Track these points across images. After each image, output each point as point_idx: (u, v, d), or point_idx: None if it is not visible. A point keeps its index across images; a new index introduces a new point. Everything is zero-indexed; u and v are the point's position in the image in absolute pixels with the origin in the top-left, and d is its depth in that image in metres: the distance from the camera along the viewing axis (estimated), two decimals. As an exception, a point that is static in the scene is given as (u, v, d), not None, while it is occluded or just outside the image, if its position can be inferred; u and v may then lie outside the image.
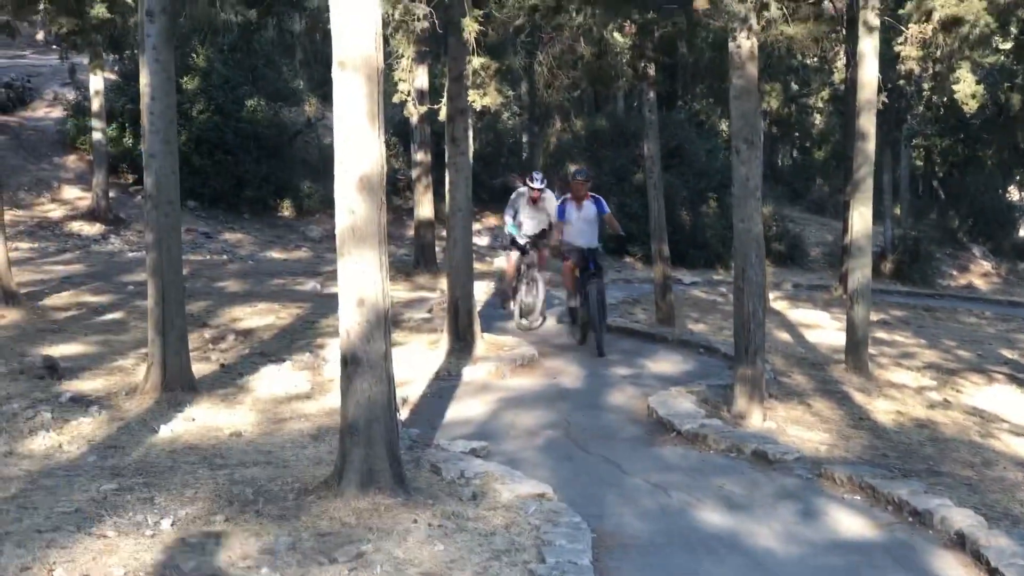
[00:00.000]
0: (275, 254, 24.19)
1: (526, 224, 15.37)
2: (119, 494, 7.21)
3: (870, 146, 13.57)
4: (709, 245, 29.04)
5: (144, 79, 10.16)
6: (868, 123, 13.50)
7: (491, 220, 30.68)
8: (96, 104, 23.64)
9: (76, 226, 23.36)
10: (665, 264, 16.88)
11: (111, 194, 24.61)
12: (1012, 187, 49.84)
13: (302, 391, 10.85)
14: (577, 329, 14.62)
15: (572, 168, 16.11)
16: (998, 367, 15.64)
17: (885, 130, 25.67)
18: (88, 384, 10.72)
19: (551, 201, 15.23)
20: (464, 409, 10.82)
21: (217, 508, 6.94)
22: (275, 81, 29.65)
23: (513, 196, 15.69)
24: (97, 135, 23.75)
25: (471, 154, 13.79)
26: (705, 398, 11.11)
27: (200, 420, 9.52)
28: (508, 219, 15.56)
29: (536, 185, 15.18)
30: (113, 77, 27.55)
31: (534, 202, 15.28)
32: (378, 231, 7.11)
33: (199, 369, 11.26)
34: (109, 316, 14.58)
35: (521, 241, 15.36)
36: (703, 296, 21.92)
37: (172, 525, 6.57)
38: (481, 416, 10.58)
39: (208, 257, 22.50)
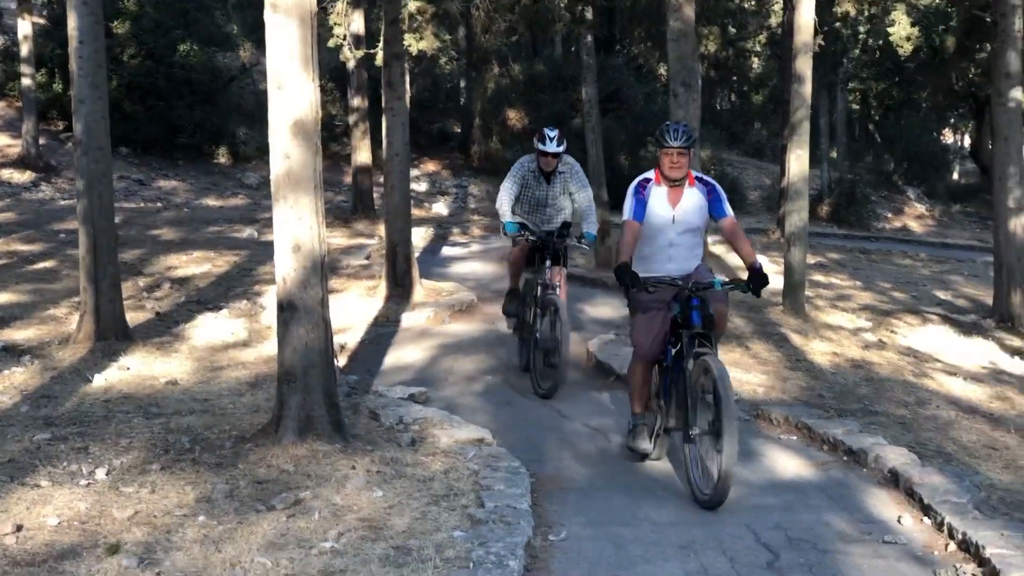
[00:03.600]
0: (211, 201, 23.93)
1: (528, 214, 10.09)
2: (53, 444, 7.13)
3: (806, 89, 13.63)
4: (647, 189, 29.08)
5: (72, 22, 9.96)
6: (805, 66, 13.55)
7: (429, 166, 30.55)
8: (24, 49, 23.14)
9: (6, 174, 22.92)
10: (604, 209, 16.88)
11: (41, 141, 24.18)
12: (947, 130, 50.58)
13: (239, 339, 10.77)
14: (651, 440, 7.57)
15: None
16: (932, 308, 15.83)
17: (821, 73, 25.78)
18: (20, 334, 10.57)
19: (576, 176, 10.01)
20: (403, 355, 10.80)
21: (153, 457, 6.87)
22: (208, 25, 29.18)
23: (515, 166, 10.10)
24: (26, 81, 23.31)
25: (408, 99, 13.67)
26: (644, 341, 11.13)
27: (135, 369, 9.42)
28: (504, 202, 9.85)
29: (549, 148, 9.74)
30: (42, 22, 27.01)
31: (545, 176, 9.96)
32: (313, 176, 7.02)
33: (134, 318, 11.13)
34: (40, 265, 14.36)
35: (529, 235, 9.77)
36: (642, 240, 21.93)
37: (107, 474, 6.50)
38: (420, 362, 10.56)
39: (142, 205, 22.22)
